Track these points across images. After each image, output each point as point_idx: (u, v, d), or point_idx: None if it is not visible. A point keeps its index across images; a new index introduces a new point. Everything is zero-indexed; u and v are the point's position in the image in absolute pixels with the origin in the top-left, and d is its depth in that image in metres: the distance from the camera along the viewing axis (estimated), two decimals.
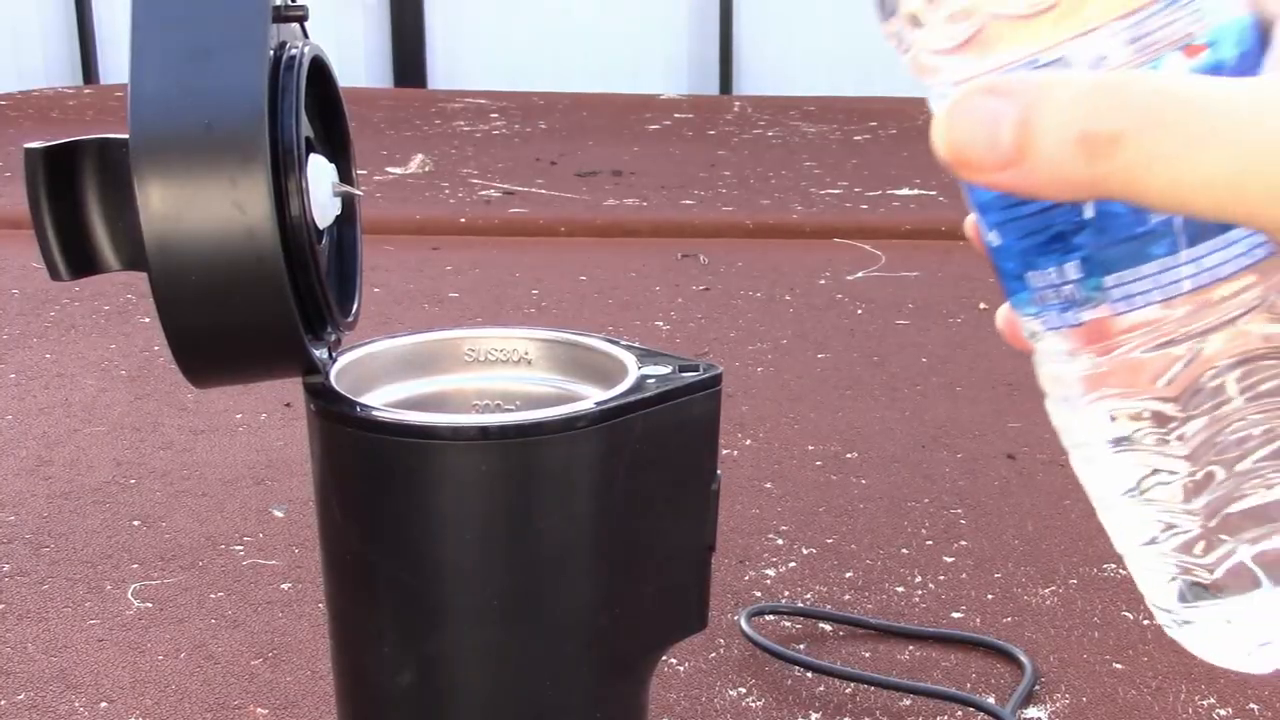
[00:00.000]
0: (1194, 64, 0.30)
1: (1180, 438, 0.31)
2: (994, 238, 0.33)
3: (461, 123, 3.08)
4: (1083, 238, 0.31)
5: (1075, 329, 0.32)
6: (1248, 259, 0.30)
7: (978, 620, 0.84)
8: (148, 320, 1.50)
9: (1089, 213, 0.31)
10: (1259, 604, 0.32)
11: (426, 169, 2.46)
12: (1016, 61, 0.30)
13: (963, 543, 0.96)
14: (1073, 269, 0.31)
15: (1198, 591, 0.33)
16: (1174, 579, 0.33)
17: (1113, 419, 0.32)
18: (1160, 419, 0.31)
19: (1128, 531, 0.34)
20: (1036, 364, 0.34)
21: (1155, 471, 0.32)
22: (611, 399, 0.51)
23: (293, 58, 0.48)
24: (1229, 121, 0.27)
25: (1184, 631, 0.34)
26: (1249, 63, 0.31)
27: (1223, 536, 0.32)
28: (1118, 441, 0.33)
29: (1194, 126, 0.27)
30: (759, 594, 0.87)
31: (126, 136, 0.45)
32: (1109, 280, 0.31)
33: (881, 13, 0.32)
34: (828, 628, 0.84)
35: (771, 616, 0.84)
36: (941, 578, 0.90)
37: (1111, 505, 0.34)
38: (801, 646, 0.81)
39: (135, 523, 0.97)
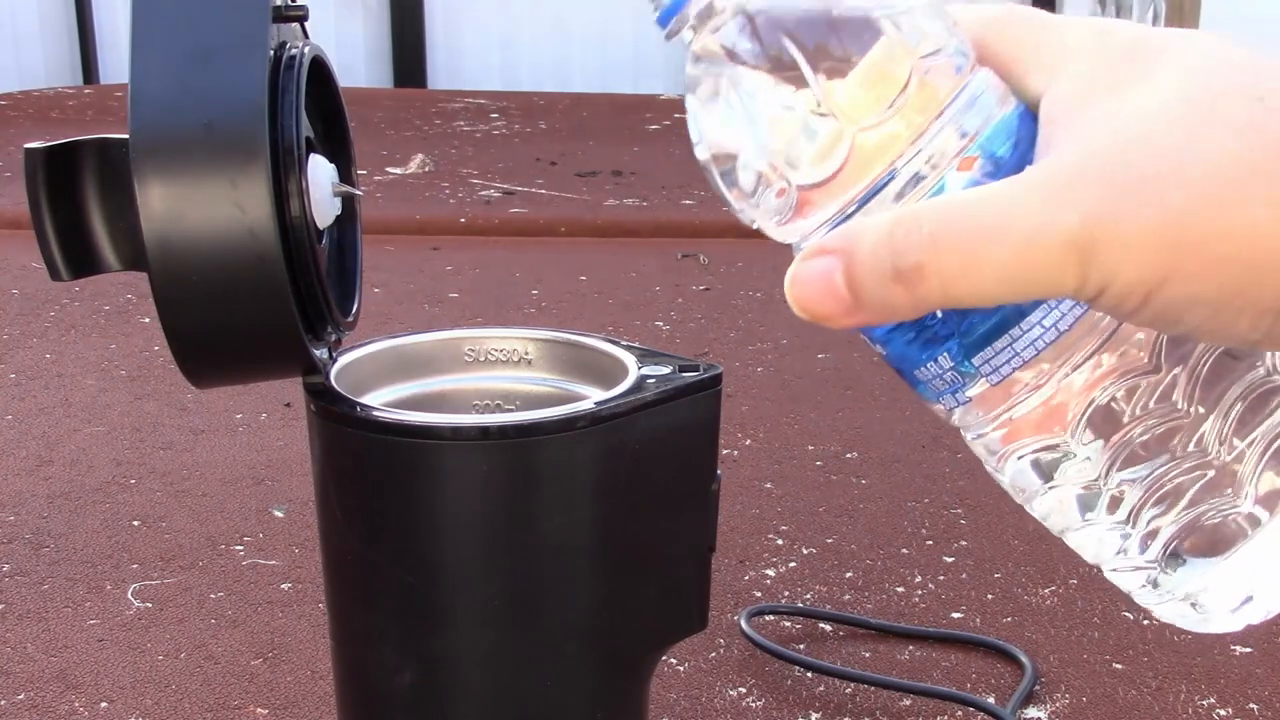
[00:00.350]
0: (971, 176, 0.35)
1: (1088, 461, 0.37)
2: (880, 350, 0.39)
3: (461, 123, 3.08)
4: (943, 336, 0.37)
5: (968, 405, 0.38)
6: (1071, 316, 0.35)
7: (978, 620, 0.84)
8: (148, 320, 1.50)
9: (939, 315, 0.37)
10: (1221, 572, 0.38)
11: (426, 169, 2.46)
12: (833, 217, 0.36)
13: (963, 543, 0.96)
14: (945, 360, 0.37)
15: (1167, 578, 0.39)
16: (1144, 580, 0.39)
17: (1036, 464, 0.38)
18: (1064, 452, 0.37)
19: (1098, 550, 0.39)
20: (967, 441, 0.40)
21: (1083, 495, 0.38)
22: (611, 399, 0.51)
23: (293, 58, 0.48)
24: (998, 224, 0.32)
25: (1170, 609, 0.41)
26: (1023, 149, 0.35)
27: (1158, 526, 0.37)
28: (1047, 480, 0.38)
29: (973, 240, 0.32)
30: (759, 594, 0.87)
31: (126, 136, 0.45)
32: (976, 361, 0.37)
33: (728, 195, 0.38)
34: (828, 628, 0.84)
35: (771, 616, 0.84)
36: (941, 578, 0.90)
37: (1074, 532, 0.39)
38: (801, 646, 0.81)
39: (135, 523, 0.98)
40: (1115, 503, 0.37)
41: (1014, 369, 0.36)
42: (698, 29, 0.38)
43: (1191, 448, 0.36)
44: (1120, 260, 0.31)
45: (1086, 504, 0.38)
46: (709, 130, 0.38)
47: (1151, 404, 0.36)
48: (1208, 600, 0.39)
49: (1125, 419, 0.36)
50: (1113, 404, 0.36)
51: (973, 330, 0.36)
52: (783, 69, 0.36)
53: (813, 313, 0.34)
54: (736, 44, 0.37)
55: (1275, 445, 0.36)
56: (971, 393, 0.37)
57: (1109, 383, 0.36)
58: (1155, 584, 0.39)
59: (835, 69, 0.35)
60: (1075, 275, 0.32)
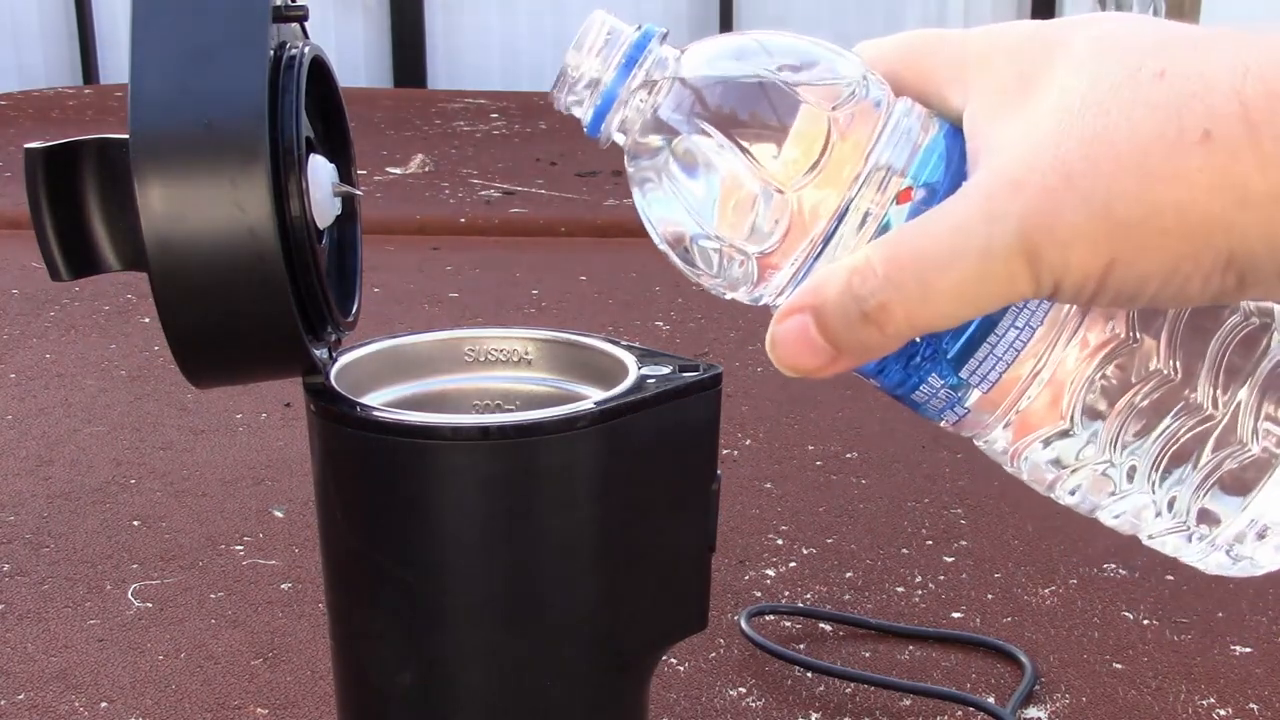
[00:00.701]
0: (911, 206, 0.37)
1: (1094, 441, 0.38)
2: (876, 383, 0.40)
3: (461, 123, 3.08)
4: (928, 358, 0.39)
5: (969, 415, 0.40)
6: (1040, 311, 0.37)
7: (978, 620, 0.84)
8: (148, 320, 1.50)
9: (919, 341, 0.38)
10: (1254, 509, 0.38)
11: (426, 169, 2.46)
12: (795, 274, 0.38)
13: (963, 543, 0.96)
14: (936, 380, 0.39)
15: (1204, 531, 0.40)
16: (1183, 539, 0.40)
17: (1048, 455, 0.40)
18: (1071, 437, 0.39)
19: (1135, 521, 0.40)
20: (981, 448, 0.41)
21: (1101, 473, 0.39)
22: (611, 399, 0.51)
23: (293, 58, 0.48)
24: (945, 249, 0.34)
25: (1215, 560, 0.41)
26: (955, 167, 0.37)
27: (1181, 484, 0.38)
28: (1062, 467, 0.40)
29: (925, 269, 0.34)
30: (759, 594, 0.87)
31: (126, 136, 0.45)
32: (964, 374, 0.38)
33: (694, 275, 0.41)
34: (828, 628, 0.84)
35: (771, 616, 0.84)
36: (941, 578, 0.90)
37: (1104, 510, 0.41)
38: (801, 646, 0.81)
39: (135, 523, 0.97)
40: (1134, 472, 0.39)
41: (1001, 372, 0.38)
42: (626, 131, 0.40)
43: (1190, 406, 0.37)
44: (1065, 257, 0.33)
45: (1106, 481, 0.39)
46: (658, 220, 0.40)
47: (1140, 374, 0.37)
48: (1247, 543, 0.40)
49: (1118, 394, 0.38)
50: (1103, 382, 0.38)
51: (953, 346, 0.38)
52: (709, 151, 0.38)
53: (799, 368, 0.36)
54: (661, 137, 0.39)
55: (1271, 382, 0.37)
56: (969, 404, 0.39)
57: (1094, 364, 0.38)
58: (1195, 539, 0.40)
59: (758, 136, 0.37)
60: (1028, 280, 0.33)
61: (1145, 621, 0.84)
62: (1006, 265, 0.33)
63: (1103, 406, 0.38)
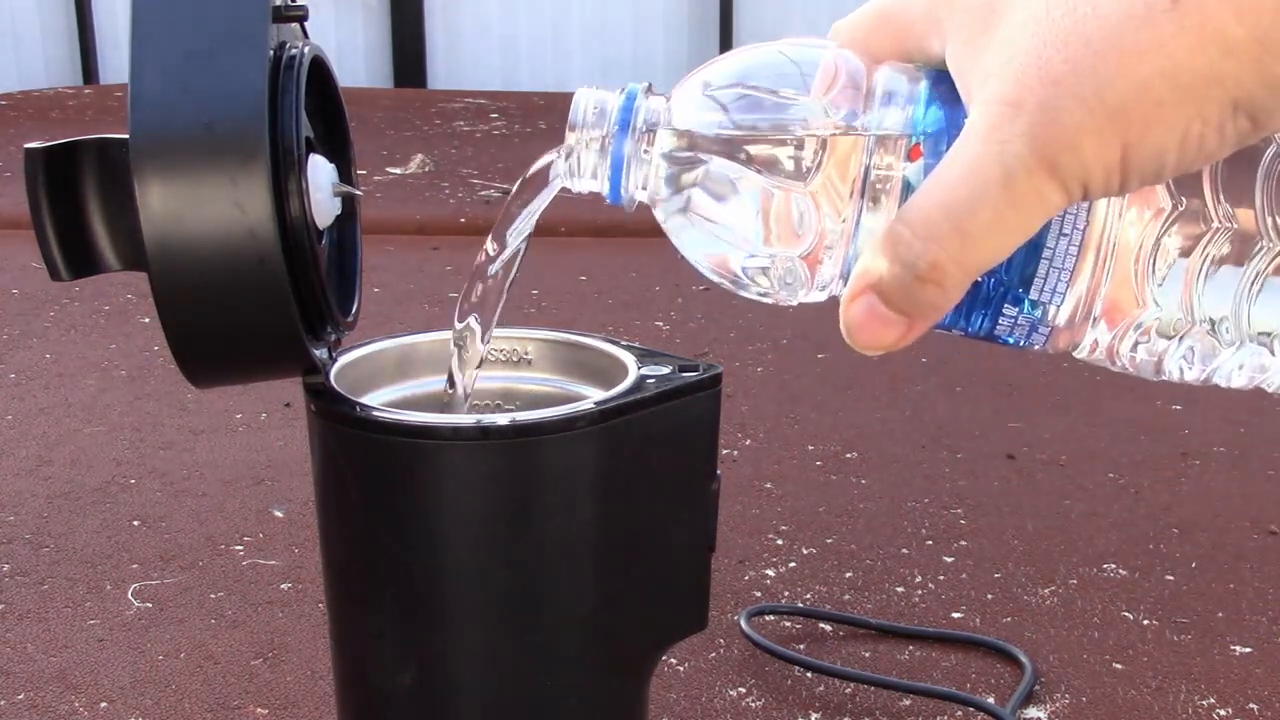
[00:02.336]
0: (923, 161, 0.38)
1: (1180, 312, 0.40)
2: (959, 332, 0.42)
3: (461, 123, 3.08)
4: (997, 292, 0.40)
5: (1056, 331, 0.41)
6: (1082, 211, 0.38)
7: (978, 620, 0.84)
8: (148, 320, 1.50)
9: (981, 280, 0.39)
10: None
11: (426, 169, 2.46)
12: (843, 259, 0.39)
13: (963, 543, 0.96)
14: (1011, 309, 0.40)
15: None
16: None
17: (1145, 342, 0.40)
18: (1157, 317, 0.40)
19: (1262, 376, 0.42)
20: (1082, 359, 0.42)
21: (1202, 340, 0.40)
22: (611, 399, 0.51)
23: (293, 58, 0.48)
24: (968, 192, 0.34)
25: None
26: (951, 109, 0.38)
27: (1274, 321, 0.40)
28: (1164, 349, 0.40)
29: (957, 217, 0.35)
30: (759, 594, 0.87)
31: (126, 136, 0.45)
32: (1034, 295, 0.40)
33: (753, 296, 0.42)
34: (828, 628, 0.84)
35: (771, 616, 0.84)
36: (941, 578, 0.90)
37: (1221, 374, 0.42)
38: (801, 646, 0.81)
39: (135, 523, 0.98)
40: (1230, 322, 0.40)
41: (1068, 281, 0.39)
42: (644, 186, 0.43)
43: (1255, 244, 0.39)
44: (1080, 159, 0.34)
45: (1211, 340, 0.40)
46: (702, 259, 0.42)
47: (1198, 232, 0.39)
48: None
49: (1186, 258, 0.39)
50: (1168, 253, 0.39)
51: (1014, 275, 0.39)
52: (724, 179, 0.40)
53: (882, 344, 0.37)
54: (677, 180, 0.41)
55: None
56: (1050, 320, 0.40)
57: (1152, 240, 0.39)
58: None
59: (763, 148, 0.39)
60: (1057, 191, 0.34)
61: (1145, 621, 0.84)
62: (1032, 185, 0.34)
63: (1176, 275, 0.39)
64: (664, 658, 0.60)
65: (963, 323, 0.41)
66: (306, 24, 0.52)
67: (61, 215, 0.48)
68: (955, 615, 0.85)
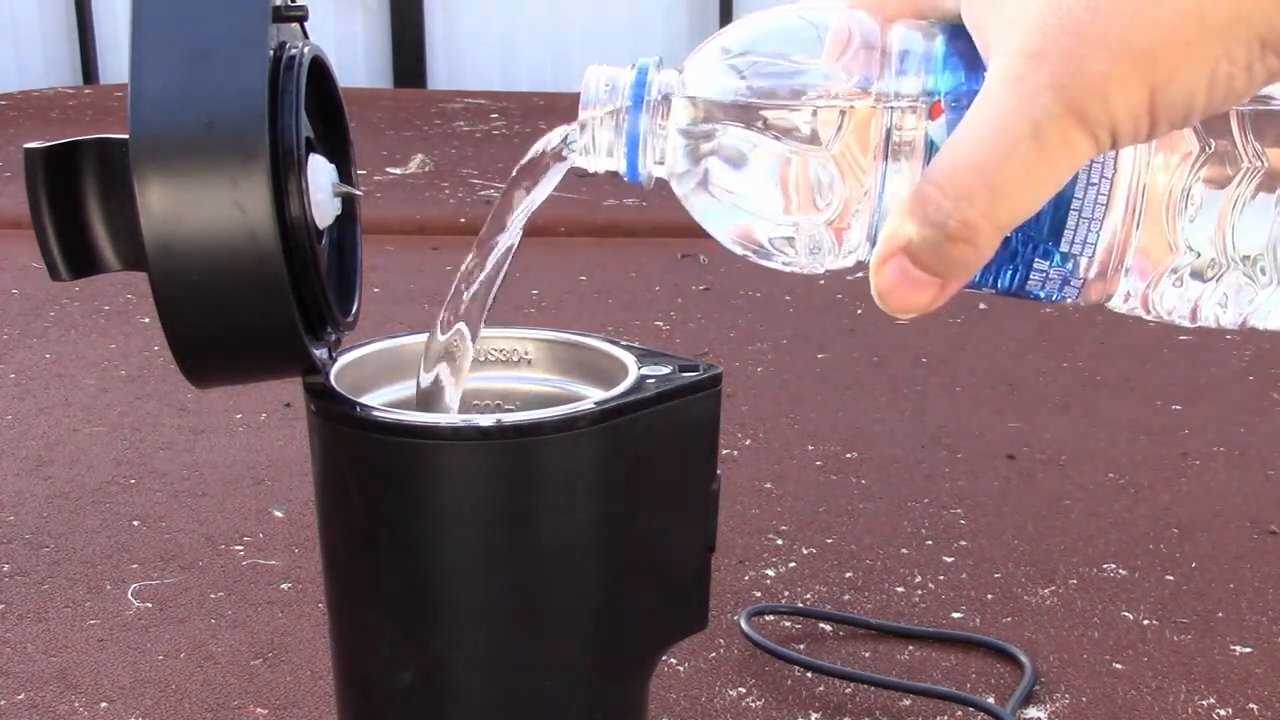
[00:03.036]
0: (946, 118, 0.37)
1: (1214, 254, 0.39)
2: (990, 290, 0.41)
3: (461, 123, 3.08)
4: (1027, 247, 0.40)
5: (1088, 283, 0.40)
6: (1109, 160, 0.38)
7: (978, 620, 0.84)
8: (148, 320, 1.50)
9: (1011, 235, 0.39)
10: None
11: (426, 169, 2.46)
12: (869, 222, 0.39)
13: (963, 543, 0.96)
14: (1042, 264, 0.40)
15: None
16: None
17: (1178, 287, 0.40)
18: (1191, 260, 0.40)
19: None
20: (1116, 310, 0.42)
21: (1238, 278, 0.40)
22: (611, 399, 0.51)
23: (293, 58, 0.48)
24: (995, 148, 0.34)
25: None
26: (970, 64, 0.37)
27: None
28: (1198, 292, 0.40)
29: (986, 173, 0.34)
30: (759, 594, 0.87)
31: (126, 136, 0.45)
32: (1065, 248, 0.39)
33: (779, 265, 0.42)
34: (828, 628, 0.84)
35: (771, 616, 0.84)
36: (941, 578, 0.90)
37: (1259, 315, 0.41)
38: (801, 646, 0.81)
39: (135, 523, 0.98)
40: (1263, 263, 0.40)
41: (1098, 231, 0.39)
42: (661, 162, 0.42)
43: None
44: (1108, 105, 0.33)
45: (1246, 282, 0.40)
46: (726, 231, 0.41)
47: (1228, 174, 0.38)
48: None
49: (1217, 200, 0.39)
50: (1198, 196, 0.39)
51: (1044, 228, 0.39)
52: (744, 148, 0.39)
53: (914, 307, 0.37)
54: (695, 153, 0.40)
55: None
56: (1082, 272, 0.40)
57: (1181, 184, 0.39)
58: None
59: (782, 114, 0.39)
60: (1085, 140, 0.34)
61: (1145, 621, 0.84)
62: (1061, 135, 0.33)
63: (1208, 217, 0.39)
64: (664, 658, 0.60)
65: (993, 280, 0.40)
66: (306, 24, 0.52)
67: (61, 215, 0.48)
68: (955, 615, 0.85)
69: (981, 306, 1.60)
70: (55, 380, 1.31)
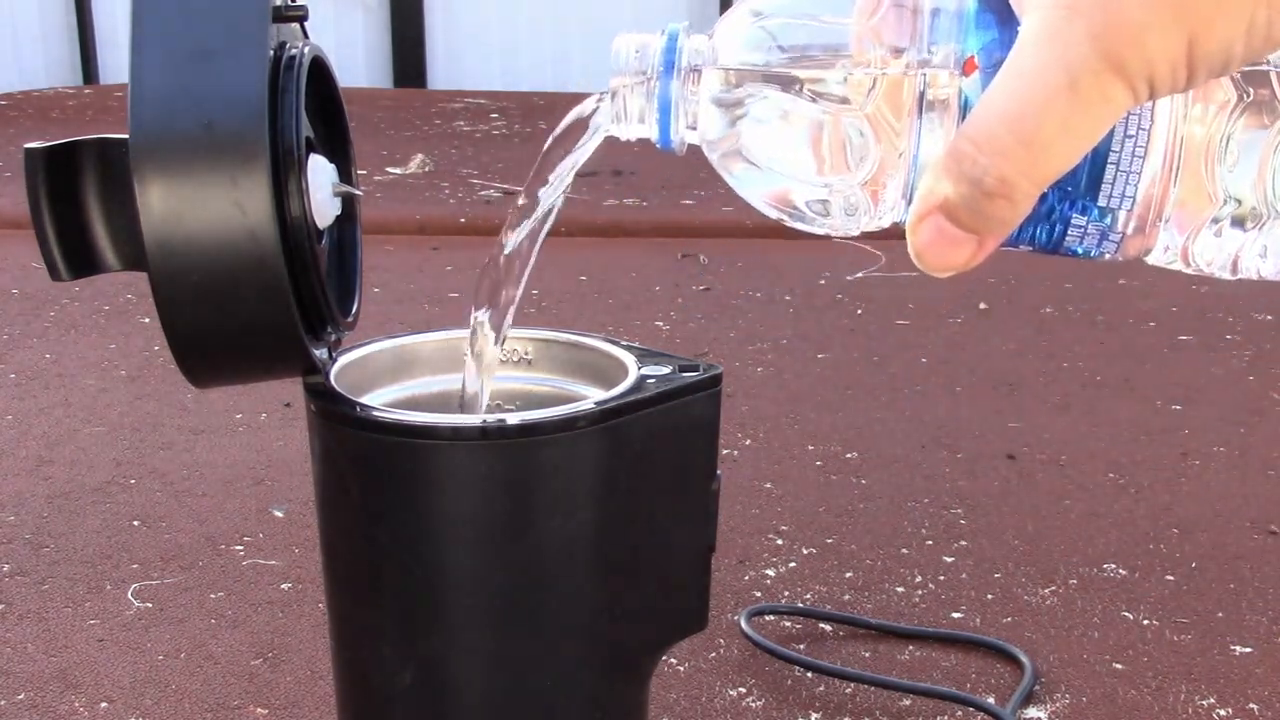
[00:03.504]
0: (979, 75, 0.37)
1: (1255, 201, 0.39)
2: (1027, 248, 0.41)
3: (461, 123, 3.09)
4: (1064, 202, 0.39)
5: (1127, 236, 0.40)
6: (1146, 111, 0.37)
7: (978, 620, 0.84)
8: (148, 320, 1.50)
9: (1049, 191, 0.38)
10: None
11: (426, 169, 2.46)
12: (905, 182, 0.39)
13: (963, 543, 0.96)
14: (1080, 219, 0.39)
15: None
16: None
17: (1217, 237, 0.40)
18: (1231, 210, 0.39)
19: None
20: (1156, 263, 0.42)
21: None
22: (611, 399, 0.51)
23: (293, 58, 0.48)
24: (1032, 102, 0.34)
25: None
26: (1004, 17, 0.37)
27: None
28: (1238, 242, 0.40)
29: (1023, 128, 0.34)
30: (759, 594, 0.87)
31: (126, 136, 0.45)
32: (1103, 202, 0.39)
33: (816, 229, 0.41)
34: (827, 628, 0.84)
35: (771, 616, 0.84)
36: (941, 578, 0.90)
37: None
38: (801, 646, 0.81)
39: (135, 523, 0.98)
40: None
41: (1136, 184, 0.38)
42: (694, 128, 0.41)
43: None
44: (1146, 55, 0.33)
45: None
46: (761, 195, 0.41)
47: (1267, 122, 0.38)
48: None
49: (1256, 149, 0.38)
50: (1237, 146, 0.38)
51: (1080, 183, 0.38)
52: (777, 111, 0.39)
53: (952, 265, 0.36)
54: (729, 118, 0.40)
55: None
56: (1120, 226, 0.39)
57: (1220, 134, 0.38)
58: None
59: (815, 75, 0.38)
60: (1124, 91, 0.33)
61: (1145, 621, 0.84)
62: (1099, 87, 0.33)
63: (1248, 167, 0.38)
64: (664, 658, 0.60)
65: (1030, 237, 0.40)
66: (306, 24, 0.52)
67: (61, 215, 0.48)
68: (955, 615, 0.85)
69: (982, 306, 1.60)
70: (55, 380, 1.31)
